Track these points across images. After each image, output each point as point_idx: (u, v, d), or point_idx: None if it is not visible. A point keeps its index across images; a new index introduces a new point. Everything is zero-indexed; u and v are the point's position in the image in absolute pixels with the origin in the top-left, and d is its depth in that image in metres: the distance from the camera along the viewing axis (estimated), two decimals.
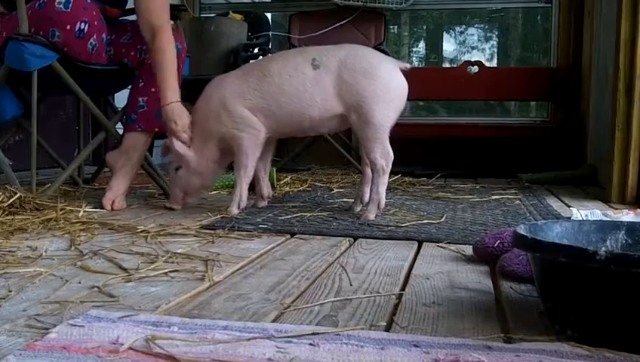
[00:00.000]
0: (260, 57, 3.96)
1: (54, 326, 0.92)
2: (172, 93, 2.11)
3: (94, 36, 2.23)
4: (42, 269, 1.30)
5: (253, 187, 2.25)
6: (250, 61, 3.86)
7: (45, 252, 1.49)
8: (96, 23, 2.23)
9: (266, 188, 2.27)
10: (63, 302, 1.07)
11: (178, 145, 2.09)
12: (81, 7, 2.19)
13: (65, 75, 2.24)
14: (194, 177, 2.15)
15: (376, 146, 1.98)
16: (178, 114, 2.10)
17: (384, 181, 2.02)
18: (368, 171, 2.11)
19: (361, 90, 1.97)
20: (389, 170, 2.01)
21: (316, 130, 2.17)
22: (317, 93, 2.00)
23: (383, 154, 1.99)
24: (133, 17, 2.53)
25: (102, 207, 2.17)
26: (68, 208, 2.04)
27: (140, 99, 2.29)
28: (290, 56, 2.12)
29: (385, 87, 1.98)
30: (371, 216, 2.00)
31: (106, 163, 2.39)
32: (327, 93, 2.00)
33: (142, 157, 2.35)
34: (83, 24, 2.19)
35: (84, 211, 2.05)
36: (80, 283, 1.22)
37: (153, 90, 2.28)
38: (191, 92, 2.43)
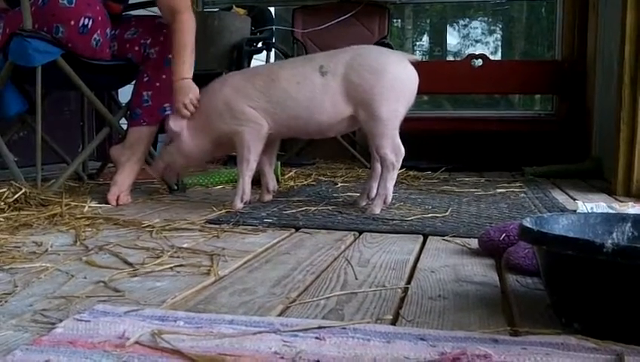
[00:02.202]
0: (264, 52, 3.98)
1: (60, 321, 0.92)
2: (185, 69, 2.15)
3: (98, 32, 2.23)
4: (48, 264, 1.31)
5: (258, 181, 2.25)
6: (253, 58, 3.86)
7: (51, 247, 1.49)
8: (100, 18, 2.23)
9: (271, 182, 2.27)
10: (69, 297, 1.07)
11: (175, 123, 2.12)
12: (85, 2, 2.19)
13: (69, 71, 2.24)
14: (179, 156, 2.18)
15: (387, 142, 1.98)
16: (188, 90, 2.13)
17: (393, 176, 2.01)
18: (378, 167, 2.10)
19: (369, 87, 1.97)
20: (399, 165, 2.01)
21: (323, 134, 2.17)
22: (326, 99, 2.00)
23: (394, 150, 1.99)
24: (136, 12, 2.53)
25: (107, 202, 2.18)
26: (73, 203, 2.05)
27: (145, 93, 2.29)
28: (299, 64, 2.12)
29: (393, 81, 1.98)
30: (377, 210, 2.00)
31: (110, 157, 2.40)
32: (336, 98, 2.00)
33: (146, 152, 2.36)
34: (87, 20, 2.19)
35: (89, 206, 2.05)
36: (85, 278, 1.22)
37: (157, 84, 2.28)
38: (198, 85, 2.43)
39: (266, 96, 2.05)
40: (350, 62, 2.01)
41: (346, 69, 2.00)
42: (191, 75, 2.17)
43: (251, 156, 2.08)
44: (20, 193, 1.99)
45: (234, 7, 4.21)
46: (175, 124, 2.12)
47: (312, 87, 2.01)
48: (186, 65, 2.15)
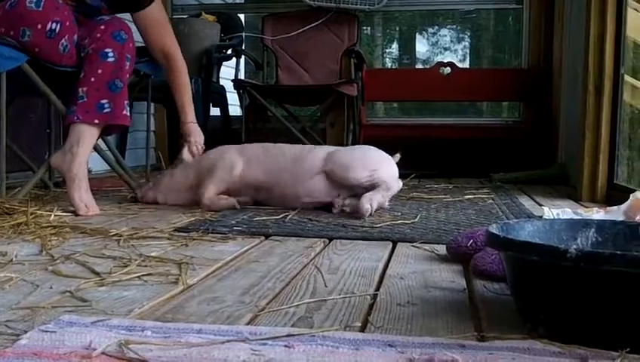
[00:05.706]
0: (234, 59, 3.99)
1: (25, 332, 0.91)
2: (191, 112, 2.50)
3: (66, 37, 2.19)
4: (12, 274, 1.28)
5: None
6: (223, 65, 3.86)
7: (15, 257, 1.46)
8: (68, 23, 2.19)
9: None
10: (34, 308, 1.05)
11: (187, 155, 2.44)
12: (53, 6, 2.15)
13: (34, 77, 2.21)
14: (164, 186, 2.42)
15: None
16: (197, 132, 2.49)
17: (385, 195, 2.20)
18: None
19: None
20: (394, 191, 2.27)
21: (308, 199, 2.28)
22: (297, 166, 2.25)
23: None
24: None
25: (73, 211, 2.13)
26: (38, 212, 2.01)
27: (80, 90, 2.19)
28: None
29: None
30: (366, 206, 2.05)
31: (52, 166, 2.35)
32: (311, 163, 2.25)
33: (87, 153, 2.20)
34: (54, 24, 2.15)
35: (55, 215, 2.02)
36: (51, 288, 1.20)
37: (92, 79, 2.18)
38: (166, 95, 2.49)
39: (260, 162, 2.31)
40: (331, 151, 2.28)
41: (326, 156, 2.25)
42: (194, 117, 2.52)
43: (211, 194, 2.26)
44: None
45: (203, 13, 4.20)
46: (187, 155, 2.44)
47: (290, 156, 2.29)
48: (191, 108, 2.50)
